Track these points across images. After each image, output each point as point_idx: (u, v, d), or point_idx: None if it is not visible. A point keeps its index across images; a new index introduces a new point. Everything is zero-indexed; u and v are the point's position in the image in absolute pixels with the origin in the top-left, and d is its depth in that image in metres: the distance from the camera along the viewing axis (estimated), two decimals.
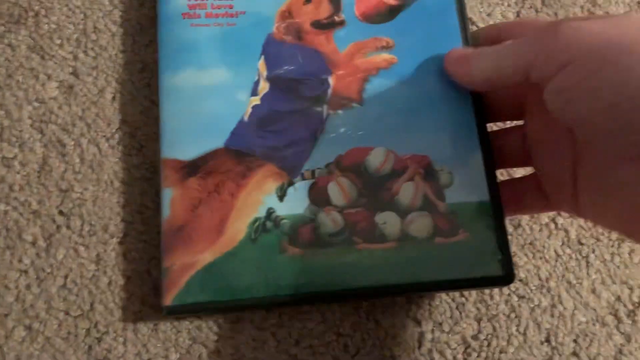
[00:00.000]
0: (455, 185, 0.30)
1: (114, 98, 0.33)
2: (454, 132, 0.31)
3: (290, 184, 0.30)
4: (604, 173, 0.25)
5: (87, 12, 0.34)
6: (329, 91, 0.32)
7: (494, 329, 0.32)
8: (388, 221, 0.29)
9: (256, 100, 0.31)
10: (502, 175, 0.35)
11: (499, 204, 0.30)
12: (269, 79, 0.31)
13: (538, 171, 0.30)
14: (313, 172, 0.30)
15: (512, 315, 0.32)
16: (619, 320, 0.33)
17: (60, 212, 0.30)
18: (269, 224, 0.29)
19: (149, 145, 0.32)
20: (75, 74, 0.33)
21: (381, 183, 0.30)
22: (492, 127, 0.35)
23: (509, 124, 0.35)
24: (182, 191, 0.29)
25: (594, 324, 0.33)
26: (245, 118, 0.30)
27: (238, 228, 0.29)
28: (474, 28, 0.38)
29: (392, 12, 0.33)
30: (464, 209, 0.30)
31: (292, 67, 0.32)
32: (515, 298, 0.33)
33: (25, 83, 0.32)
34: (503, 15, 0.39)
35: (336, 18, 0.33)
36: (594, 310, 0.33)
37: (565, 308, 0.33)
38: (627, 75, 0.22)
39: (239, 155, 0.30)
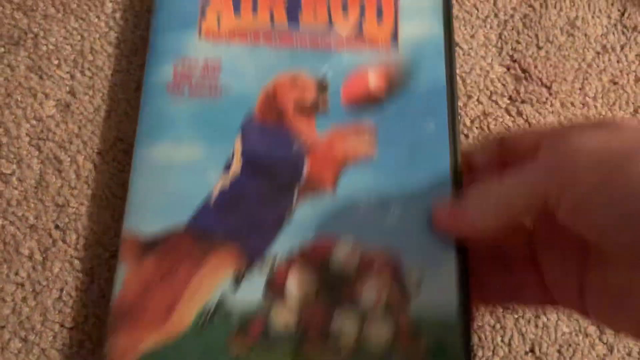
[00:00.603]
0: (422, 287, 0.28)
1: (109, 116, 0.34)
2: (426, 230, 0.29)
3: (249, 270, 0.28)
4: (617, 278, 0.24)
5: (84, 33, 0.35)
6: (302, 177, 0.30)
7: (479, 339, 0.33)
8: (345, 323, 0.28)
9: (226, 180, 0.30)
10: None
11: (467, 309, 0.28)
12: (242, 159, 0.30)
13: (543, 270, 0.29)
14: (274, 259, 0.29)
15: (497, 326, 0.33)
16: (601, 331, 0.34)
17: (57, 227, 0.31)
18: (218, 314, 0.27)
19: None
20: (72, 93, 0.34)
21: (344, 280, 0.28)
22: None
23: None
24: (137, 269, 0.28)
25: (577, 335, 0.34)
26: (213, 197, 0.29)
27: (186, 315, 0.27)
28: (459, 50, 0.39)
29: (378, 102, 0.32)
30: (429, 314, 0.28)
31: (268, 149, 0.31)
32: (499, 309, 0.33)
33: (23, 102, 0.33)
34: (486, 36, 0.40)
35: (320, 103, 0.32)
36: (577, 321, 0.34)
37: (548, 319, 0.34)
38: (634, 186, 0.22)
39: (199, 236, 0.29)
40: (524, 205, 0.26)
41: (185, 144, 0.30)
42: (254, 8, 0.33)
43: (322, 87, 0.32)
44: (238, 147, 0.30)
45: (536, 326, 0.33)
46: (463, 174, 0.31)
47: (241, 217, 0.29)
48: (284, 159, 0.31)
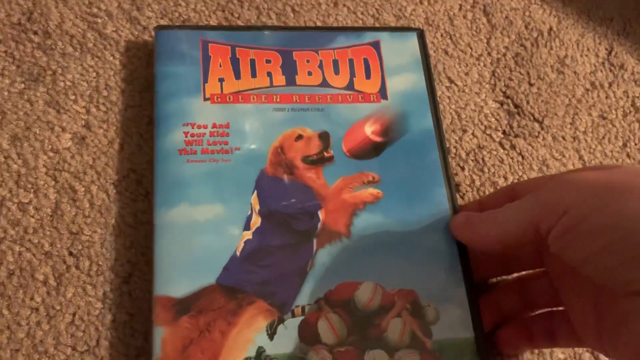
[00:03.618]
0: (441, 321, 0.31)
1: (122, 149, 0.36)
2: (438, 266, 0.32)
3: (281, 321, 0.30)
4: (614, 307, 0.26)
5: (99, 71, 0.38)
6: (319, 225, 0.32)
7: None
8: None
9: (248, 235, 0.31)
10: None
11: (482, 339, 0.31)
12: (261, 213, 0.32)
13: (566, 307, 0.31)
14: (303, 308, 0.30)
15: (494, 351, 0.34)
16: (595, 357, 0.35)
17: (70, 253, 0.33)
18: None
19: (154, 192, 0.35)
20: (87, 126, 0.36)
21: (370, 319, 0.30)
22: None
23: None
24: (173, 330, 0.29)
25: None
26: (237, 253, 0.31)
27: None
28: (454, 86, 0.41)
29: (377, 149, 0.35)
30: (449, 346, 0.30)
31: (284, 202, 0.33)
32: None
33: (41, 135, 0.35)
34: (479, 74, 0.42)
35: (325, 154, 0.34)
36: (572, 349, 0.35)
37: None
38: (618, 217, 0.24)
39: (230, 292, 0.30)
40: (518, 231, 0.28)
41: (203, 204, 0.32)
42: (253, 74, 0.36)
43: (325, 139, 0.35)
44: (255, 202, 0.32)
45: (532, 352, 0.34)
46: (457, 204, 0.34)
47: (268, 268, 0.31)
48: (301, 210, 0.33)
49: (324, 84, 0.36)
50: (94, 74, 0.37)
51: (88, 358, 0.31)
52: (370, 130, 0.35)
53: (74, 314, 0.31)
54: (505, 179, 0.39)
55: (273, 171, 0.33)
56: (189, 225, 0.31)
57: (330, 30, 0.39)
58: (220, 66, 0.36)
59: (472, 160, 0.39)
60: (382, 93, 0.37)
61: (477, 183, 0.39)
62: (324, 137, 0.35)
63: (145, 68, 0.38)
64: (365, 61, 0.38)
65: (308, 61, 0.37)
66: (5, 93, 0.36)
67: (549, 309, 0.33)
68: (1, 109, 0.35)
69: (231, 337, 0.29)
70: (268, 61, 0.36)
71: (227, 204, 0.32)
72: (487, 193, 0.38)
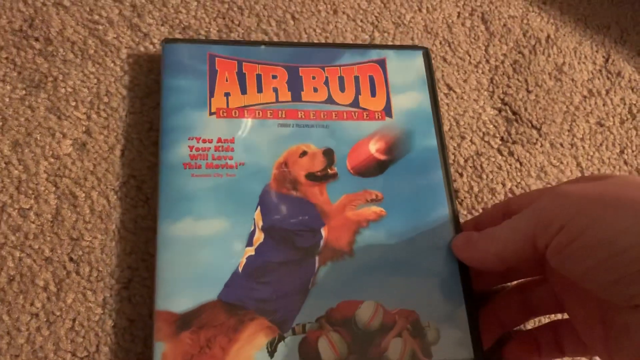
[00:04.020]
0: (441, 341, 0.31)
1: (122, 155, 0.36)
2: (439, 286, 0.32)
3: (281, 338, 0.30)
4: (617, 318, 0.26)
5: (100, 77, 0.38)
6: (322, 242, 0.33)
7: None
8: None
9: (251, 251, 0.32)
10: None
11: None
12: (264, 229, 0.32)
13: (570, 317, 0.31)
14: (304, 326, 0.30)
15: (493, 358, 0.34)
16: None
17: (71, 259, 0.33)
18: None
19: (154, 198, 0.35)
20: (88, 132, 0.36)
21: (370, 338, 0.30)
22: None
23: None
24: (174, 346, 0.29)
25: None
26: (239, 269, 0.31)
27: None
28: (452, 93, 0.42)
29: (381, 167, 0.35)
30: None
31: (287, 218, 0.33)
32: None
33: (42, 141, 0.35)
34: (478, 81, 0.43)
35: (329, 171, 0.34)
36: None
37: None
38: (614, 231, 0.24)
39: (231, 308, 0.30)
40: (516, 248, 0.28)
41: (207, 219, 0.32)
42: (259, 89, 0.36)
43: (329, 156, 0.35)
44: (258, 217, 0.32)
45: None
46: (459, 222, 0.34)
47: (269, 285, 0.31)
48: (304, 226, 0.33)
49: (330, 100, 0.37)
50: (95, 80, 0.38)
51: None
52: (374, 148, 0.36)
53: (74, 320, 0.32)
54: (504, 185, 0.39)
55: (277, 187, 0.34)
56: (192, 240, 0.31)
57: (336, 47, 0.39)
58: (227, 81, 0.36)
59: (470, 167, 0.40)
60: (387, 111, 0.37)
61: (476, 189, 0.39)
62: (329, 154, 0.35)
63: (146, 75, 0.38)
64: (371, 79, 0.38)
65: (314, 77, 0.37)
66: (7, 99, 0.36)
67: (554, 320, 0.33)
68: (2, 115, 0.36)
69: (232, 353, 0.29)
70: (274, 77, 0.37)
71: (230, 219, 0.32)
72: (485, 199, 0.39)
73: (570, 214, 0.25)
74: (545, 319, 0.35)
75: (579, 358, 0.35)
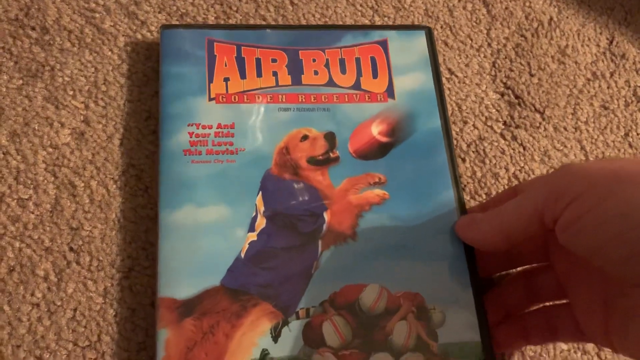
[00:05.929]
0: (446, 324, 0.30)
1: (121, 144, 0.36)
2: (445, 269, 0.31)
3: (285, 323, 0.30)
4: (623, 300, 0.26)
5: (98, 66, 0.37)
6: (324, 227, 0.32)
7: None
8: None
9: (253, 237, 0.31)
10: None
11: (489, 342, 0.30)
12: (266, 214, 0.32)
13: (571, 302, 0.30)
14: (308, 310, 0.30)
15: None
16: (599, 348, 0.35)
17: (71, 249, 0.33)
18: None
19: (153, 187, 0.35)
20: (86, 121, 0.36)
21: (375, 322, 0.30)
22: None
23: None
24: (177, 332, 0.29)
25: (575, 352, 0.35)
26: (242, 255, 0.31)
27: None
28: (454, 78, 0.41)
29: (383, 149, 0.35)
30: (455, 349, 0.30)
31: (289, 203, 0.32)
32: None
33: (40, 130, 0.35)
34: (480, 65, 0.42)
35: (331, 155, 0.34)
36: None
37: None
38: (629, 205, 0.23)
39: (234, 294, 0.30)
40: (522, 223, 0.27)
41: (208, 205, 0.32)
42: (259, 73, 0.36)
43: (330, 140, 0.34)
44: (260, 203, 0.32)
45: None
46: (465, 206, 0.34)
47: (272, 270, 0.31)
48: (306, 211, 0.32)
49: (330, 83, 0.36)
50: (93, 69, 0.37)
51: (89, 353, 0.31)
52: (376, 130, 0.35)
53: (75, 310, 0.31)
54: (507, 170, 0.39)
55: (278, 172, 0.33)
56: (194, 227, 0.31)
57: (336, 29, 0.38)
58: (226, 65, 0.36)
59: (473, 152, 0.39)
60: (390, 92, 0.36)
61: (479, 174, 0.38)
62: (330, 137, 0.34)
63: (144, 63, 0.38)
64: (373, 60, 0.37)
65: (314, 60, 0.37)
66: (4, 89, 0.36)
67: (545, 304, 0.33)
68: (0, 105, 0.35)
69: (235, 339, 0.29)
70: (274, 60, 0.36)
71: (231, 205, 0.32)
72: (488, 184, 0.38)
73: (582, 187, 0.25)
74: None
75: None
